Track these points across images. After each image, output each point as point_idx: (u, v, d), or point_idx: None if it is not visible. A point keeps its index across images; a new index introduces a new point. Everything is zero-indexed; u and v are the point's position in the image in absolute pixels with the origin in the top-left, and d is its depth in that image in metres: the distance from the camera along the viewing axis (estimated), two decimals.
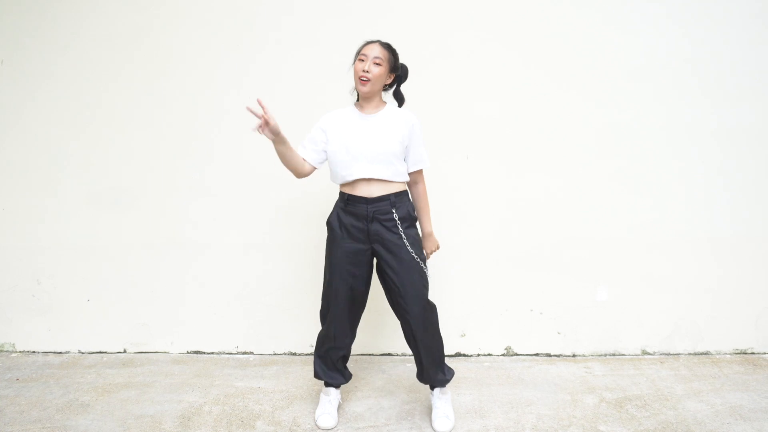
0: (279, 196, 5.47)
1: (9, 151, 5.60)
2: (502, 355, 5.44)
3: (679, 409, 4.42)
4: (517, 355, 5.45)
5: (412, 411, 4.46)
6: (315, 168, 4.21)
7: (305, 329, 5.56)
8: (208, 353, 5.66)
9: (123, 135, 5.52)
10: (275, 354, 5.62)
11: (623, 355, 5.45)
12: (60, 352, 5.74)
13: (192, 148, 5.50)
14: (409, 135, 4.10)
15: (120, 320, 5.69)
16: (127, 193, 5.57)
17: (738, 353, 5.43)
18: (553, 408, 4.47)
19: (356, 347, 5.30)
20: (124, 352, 5.72)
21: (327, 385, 4.44)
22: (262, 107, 3.79)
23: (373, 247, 4.13)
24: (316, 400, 4.62)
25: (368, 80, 3.96)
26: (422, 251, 4.19)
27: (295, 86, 5.38)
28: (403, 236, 4.06)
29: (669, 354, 5.43)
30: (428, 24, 5.24)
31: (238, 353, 5.64)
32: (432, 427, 4.18)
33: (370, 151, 4.00)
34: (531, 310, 5.42)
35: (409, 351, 5.31)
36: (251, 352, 5.64)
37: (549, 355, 5.46)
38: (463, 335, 5.39)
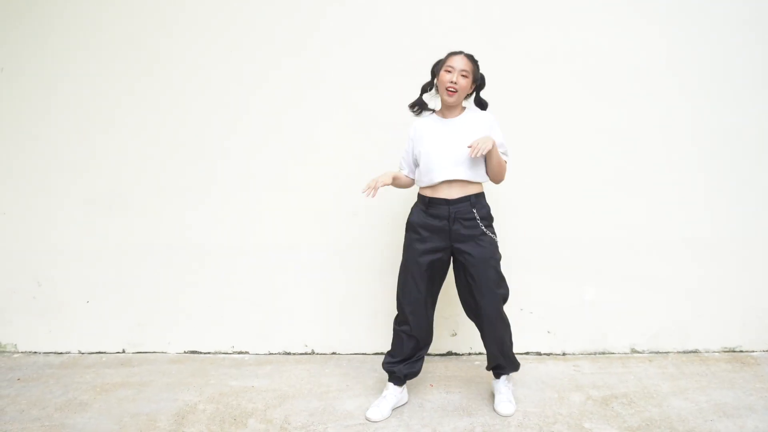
0: (274, 198, 5.55)
1: (8, 156, 5.68)
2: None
3: (663, 407, 4.46)
4: None
5: (401, 409, 4.51)
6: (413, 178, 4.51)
7: (300, 329, 5.66)
8: (205, 353, 5.73)
9: (121, 139, 5.59)
10: (270, 353, 5.68)
11: (612, 353, 5.48)
12: (60, 353, 5.82)
13: (187, 151, 5.57)
14: (490, 132, 4.24)
15: (119, 321, 5.77)
16: (124, 196, 5.65)
17: (726, 351, 5.45)
18: (539, 405, 4.52)
19: (350, 347, 5.38)
20: (123, 352, 5.79)
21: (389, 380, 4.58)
22: (375, 189, 4.15)
23: (453, 246, 4.27)
24: (307, 398, 4.72)
25: (455, 91, 4.18)
26: (498, 251, 4.34)
27: (286, 87, 5.46)
28: (485, 232, 4.25)
29: (658, 352, 5.46)
30: (428, 23, 5.32)
31: (234, 353, 5.71)
32: (496, 410, 4.41)
33: (453, 154, 4.18)
34: (521, 310, 5.44)
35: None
36: (247, 352, 5.70)
37: (539, 354, 5.50)
38: (454, 334, 5.44)
